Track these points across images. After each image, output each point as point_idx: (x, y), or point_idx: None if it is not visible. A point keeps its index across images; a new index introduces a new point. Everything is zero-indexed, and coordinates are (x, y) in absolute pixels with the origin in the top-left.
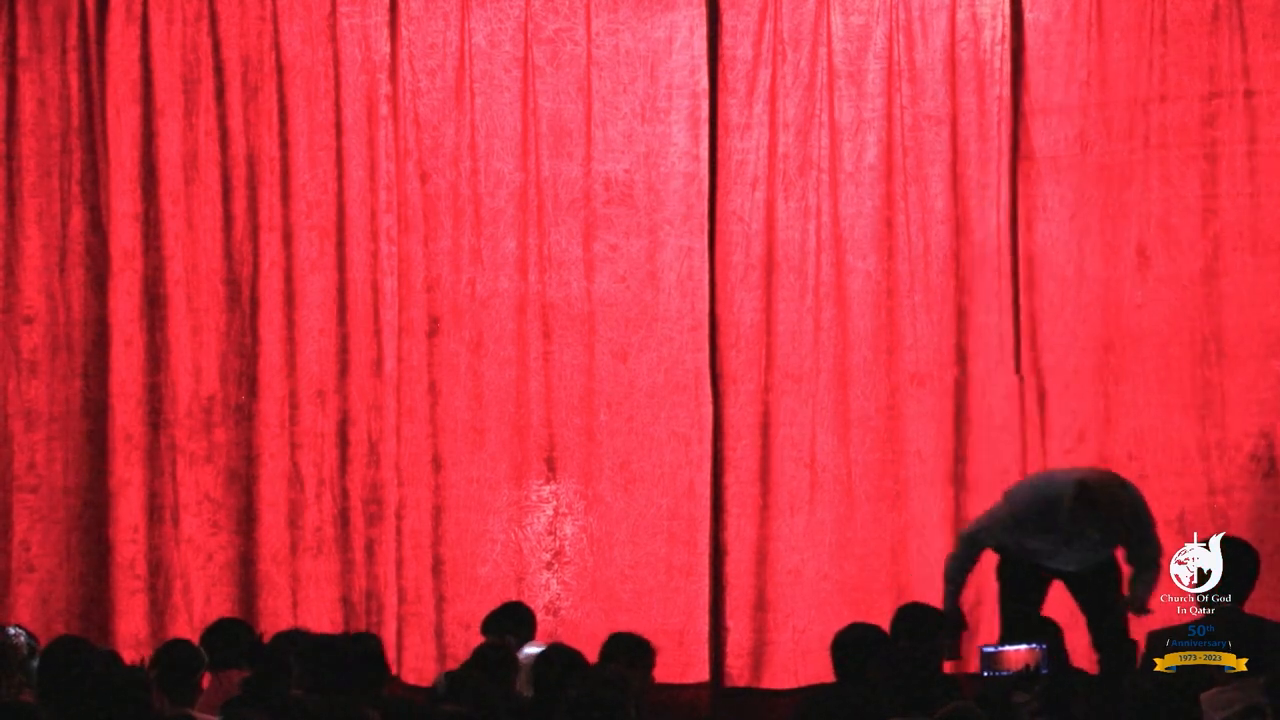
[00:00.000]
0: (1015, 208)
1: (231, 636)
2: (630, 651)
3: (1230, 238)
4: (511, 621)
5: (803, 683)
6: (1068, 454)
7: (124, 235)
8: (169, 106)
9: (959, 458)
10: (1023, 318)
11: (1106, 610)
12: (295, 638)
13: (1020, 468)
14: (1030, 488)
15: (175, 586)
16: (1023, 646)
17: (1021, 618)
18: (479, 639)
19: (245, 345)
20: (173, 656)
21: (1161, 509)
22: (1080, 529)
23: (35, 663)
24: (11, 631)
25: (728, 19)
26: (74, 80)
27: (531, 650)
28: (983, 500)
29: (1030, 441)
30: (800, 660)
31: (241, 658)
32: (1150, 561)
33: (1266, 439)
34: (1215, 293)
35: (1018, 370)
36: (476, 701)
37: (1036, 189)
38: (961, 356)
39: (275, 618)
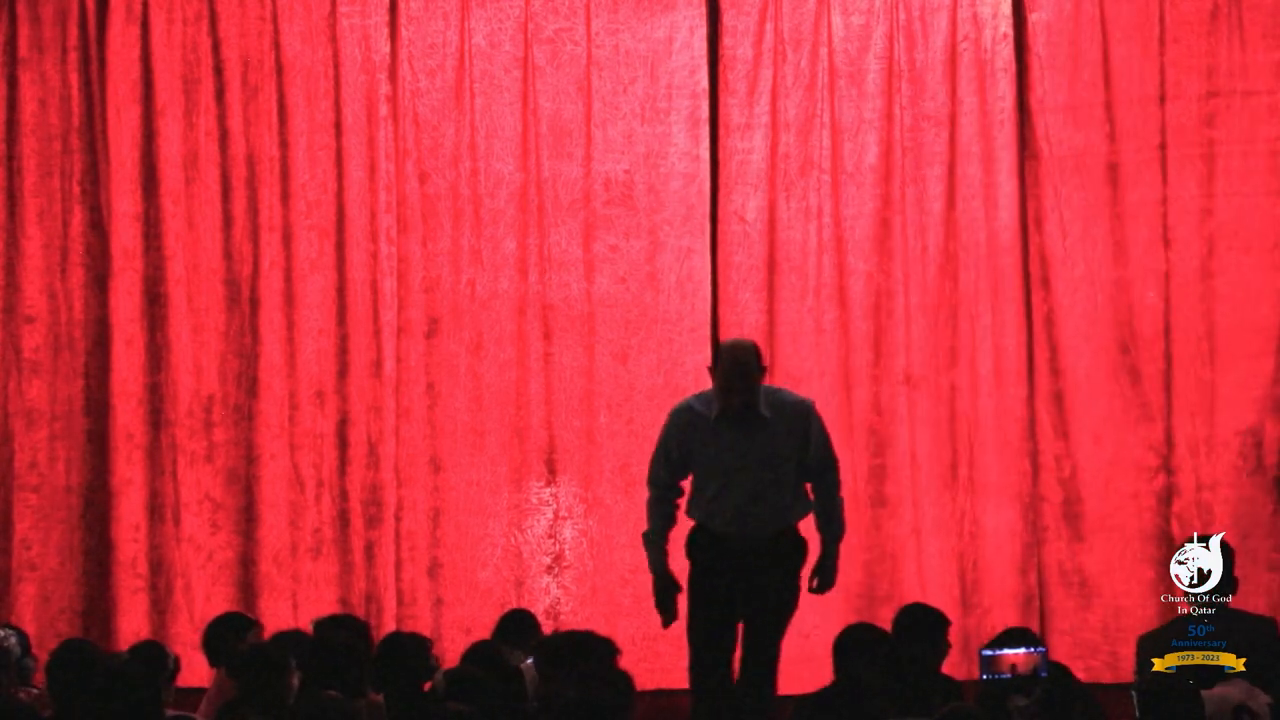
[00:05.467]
0: (1024, 207)
1: (234, 633)
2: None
3: (1224, 237)
4: (517, 630)
5: (808, 690)
6: (1082, 457)
7: (125, 235)
8: (169, 106)
9: (961, 461)
10: (1035, 318)
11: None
12: (294, 638)
13: (1018, 470)
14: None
15: (176, 585)
16: (1021, 650)
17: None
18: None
19: (245, 345)
20: (140, 657)
21: (1166, 509)
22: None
23: (29, 661)
24: (1, 634)
25: (728, 19)
26: (74, 80)
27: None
28: (986, 504)
29: (1039, 445)
30: (805, 666)
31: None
32: (835, 488)
33: (1254, 436)
34: (1210, 292)
35: (1029, 371)
36: (479, 699)
37: (1042, 189)
38: (963, 359)
39: (276, 618)
